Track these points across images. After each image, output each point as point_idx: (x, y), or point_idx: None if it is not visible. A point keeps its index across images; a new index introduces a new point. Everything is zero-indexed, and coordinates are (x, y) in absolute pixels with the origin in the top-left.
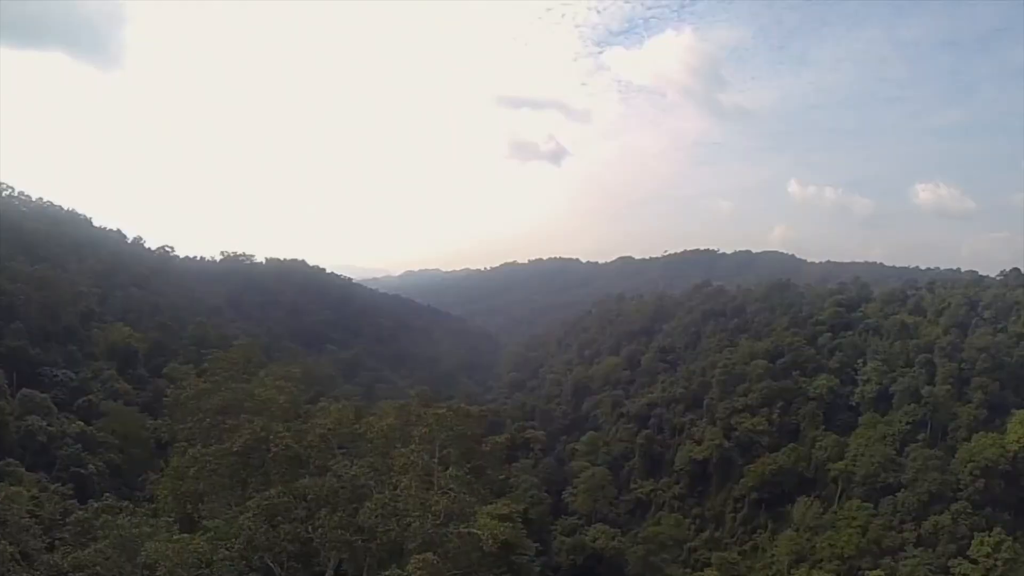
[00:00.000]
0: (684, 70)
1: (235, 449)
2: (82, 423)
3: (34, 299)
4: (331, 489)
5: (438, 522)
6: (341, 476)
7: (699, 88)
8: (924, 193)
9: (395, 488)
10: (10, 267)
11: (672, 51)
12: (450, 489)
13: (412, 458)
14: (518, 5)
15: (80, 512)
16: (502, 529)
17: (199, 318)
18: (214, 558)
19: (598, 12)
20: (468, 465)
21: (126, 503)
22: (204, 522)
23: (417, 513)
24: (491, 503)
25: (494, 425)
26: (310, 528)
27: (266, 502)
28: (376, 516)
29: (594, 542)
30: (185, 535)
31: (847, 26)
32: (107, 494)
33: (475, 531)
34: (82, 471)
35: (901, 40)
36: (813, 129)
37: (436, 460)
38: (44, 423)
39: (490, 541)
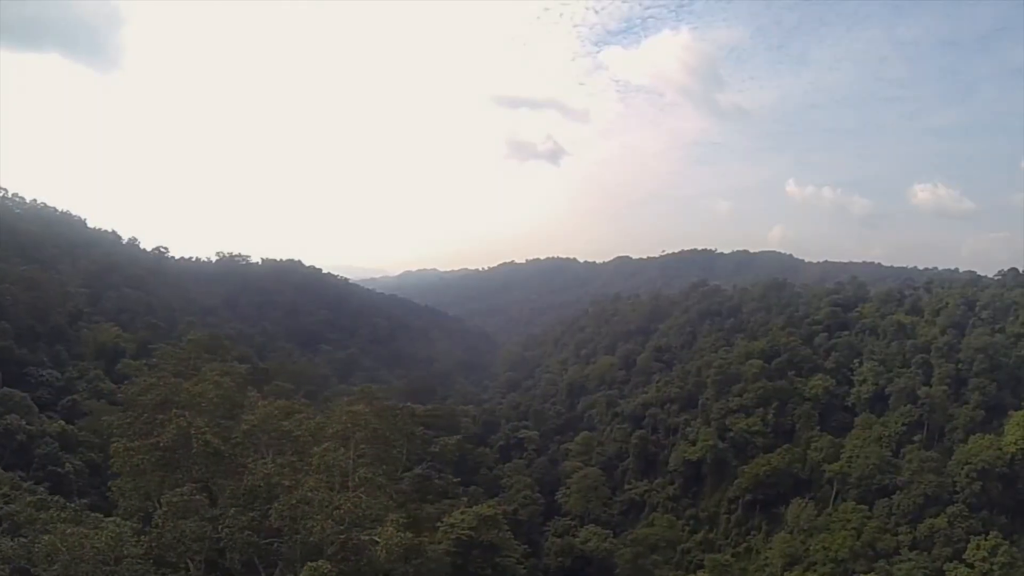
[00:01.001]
0: (682, 70)
1: (161, 444)
2: (63, 422)
3: (22, 299)
4: (248, 488)
5: (341, 527)
6: (255, 475)
7: (697, 88)
8: (923, 193)
9: (306, 489)
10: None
11: (670, 51)
12: (359, 491)
13: (326, 458)
14: (516, 5)
15: (11, 507)
16: (401, 539)
17: (189, 318)
18: (124, 553)
19: (596, 12)
20: (386, 466)
21: (57, 498)
22: (113, 517)
23: (319, 516)
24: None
25: (488, 425)
26: (219, 527)
27: (175, 499)
28: (283, 518)
29: (585, 544)
30: (81, 528)
31: (846, 26)
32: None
33: (376, 539)
34: (59, 470)
35: (900, 40)
36: (812, 129)
37: (352, 460)
38: (23, 422)
39: (384, 552)
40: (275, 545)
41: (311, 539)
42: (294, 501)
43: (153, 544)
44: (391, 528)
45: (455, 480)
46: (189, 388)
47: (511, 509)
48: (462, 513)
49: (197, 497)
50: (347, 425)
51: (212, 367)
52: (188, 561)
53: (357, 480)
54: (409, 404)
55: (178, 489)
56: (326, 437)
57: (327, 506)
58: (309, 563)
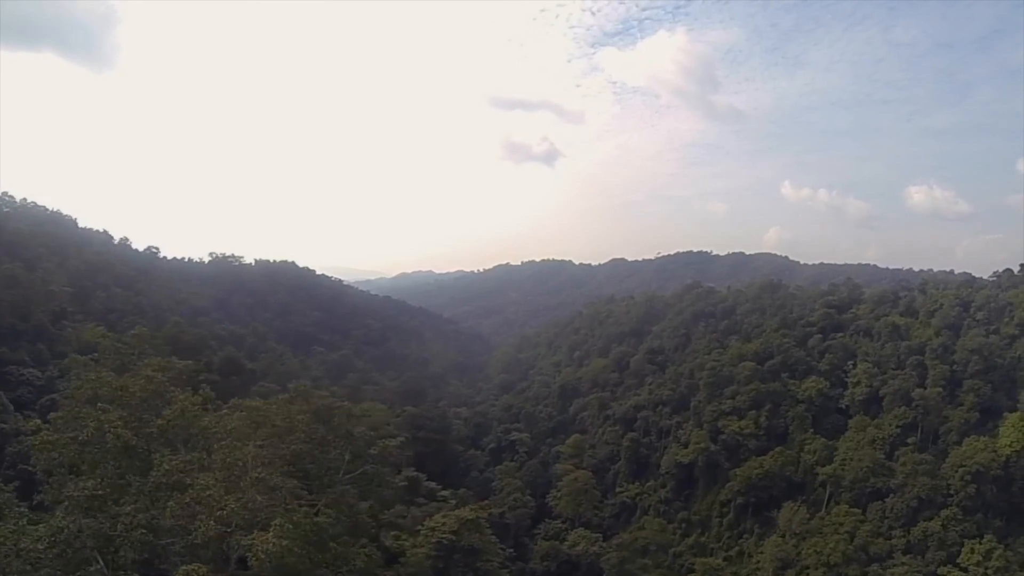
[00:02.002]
0: (678, 71)
1: (80, 438)
2: (39, 421)
3: (3, 298)
4: (154, 484)
5: (227, 528)
6: (159, 470)
7: (693, 90)
8: (918, 195)
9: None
10: None
11: (666, 52)
12: (252, 491)
13: (225, 456)
14: (512, 6)
15: None
16: (282, 547)
17: (175, 318)
18: (20, 547)
19: (592, 13)
20: (291, 467)
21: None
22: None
23: (203, 516)
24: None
25: (480, 427)
26: (116, 524)
27: (76, 493)
28: (176, 516)
29: (573, 547)
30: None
31: (843, 27)
32: None
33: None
34: (30, 468)
35: (897, 41)
36: (808, 131)
37: (250, 458)
38: None
39: (257, 558)
40: (169, 544)
41: (196, 540)
42: (187, 500)
43: (54, 539)
44: (273, 533)
45: (400, 484)
46: (111, 383)
47: (498, 512)
48: (443, 516)
49: (100, 493)
50: (244, 422)
51: (150, 362)
52: (96, 557)
53: (250, 480)
54: (347, 403)
55: (80, 483)
56: (227, 434)
57: (213, 506)
58: (183, 566)
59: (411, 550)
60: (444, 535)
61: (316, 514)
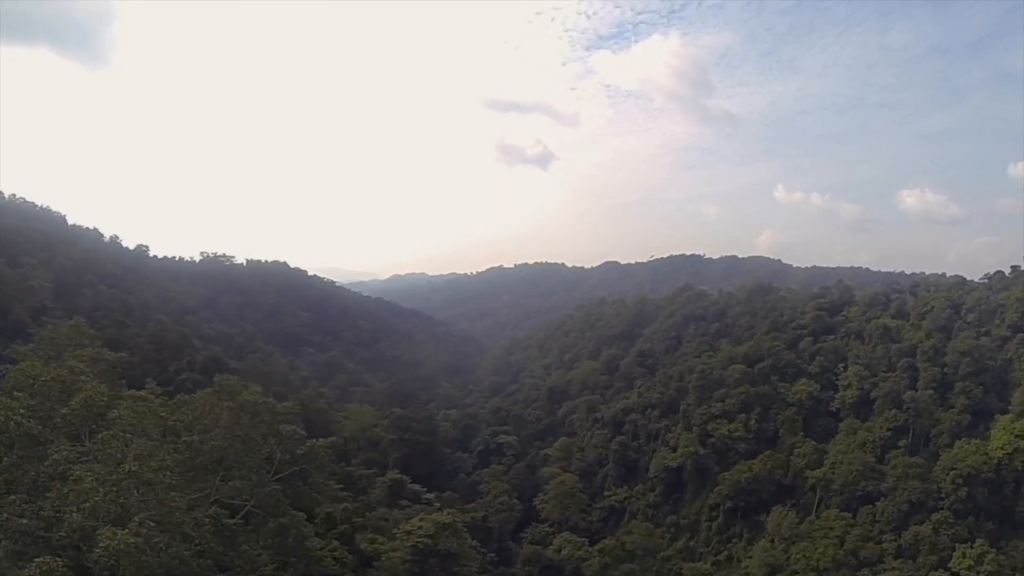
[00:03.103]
0: (672, 75)
1: None
2: None
3: None
4: (46, 475)
5: (93, 523)
6: (48, 460)
7: (688, 93)
8: (911, 198)
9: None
10: None
11: (661, 56)
12: (123, 484)
13: (106, 447)
14: (508, 9)
15: None
16: (132, 543)
17: (159, 316)
18: None
19: (588, 16)
20: (165, 460)
21: None
22: None
23: (72, 508)
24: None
25: (468, 429)
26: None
27: None
28: (55, 508)
29: (559, 552)
30: None
31: (836, 32)
32: None
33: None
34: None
35: (890, 46)
36: (801, 135)
37: (131, 452)
38: None
39: (100, 554)
40: (48, 537)
41: (63, 532)
42: (66, 491)
43: None
44: (130, 528)
45: (336, 485)
46: (24, 370)
47: (480, 516)
48: (420, 520)
49: None
50: (126, 415)
51: (78, 353)
52: None
53: (123, 473)
54: (271, 400)
55: None
56: (110, 425)
57: (83, 498)
58: (38, 559)
59: (387, 554)
60: (420, 539)
61: (234, 514)
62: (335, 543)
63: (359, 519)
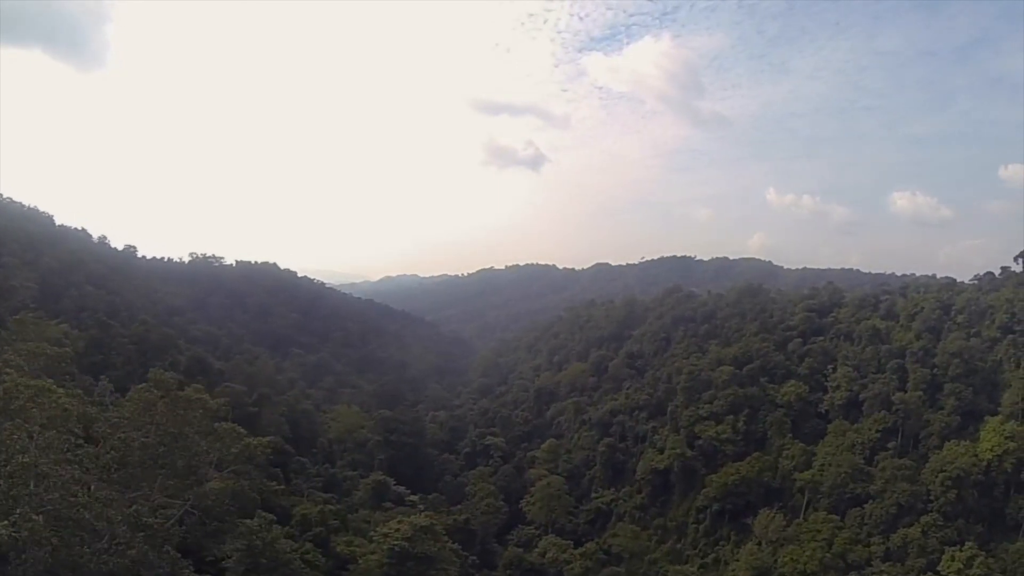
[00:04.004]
0: (663, 77)
1: None
2: None
3: None
4: None
5: None
6: None
7: (679, 96)
8: (901, 201)
9: None
10: None
11: (652, 58)
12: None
13: (6, 439)
14: (500, 11)
15: None
16: (14, 536)
17: (143, 316)
18: None
19: (580, 18)
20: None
21: None
22: None
23: None
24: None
25: (456, 431)
26: None
27: None
28: None
29: (543, 555)
30: None
31: (827, 36)
32: None
33: None
34: None
35: (880, 50)
36: (792, 137)
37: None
38: None
39: None
40: None
41: None
42: None
43: None
44: (9, 521)
45: (275, 486)
46: None
47: (463, 518)
48: (398, 522)
49: None
50: (25, 403)
51: (17, 347)
52: None
53: (16, 465)
54: (205, 397)
55: None
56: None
57: None
58: None
59: (363, 556)
60: (397, 542)
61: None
62: (308, 545)
63: (335, 521)
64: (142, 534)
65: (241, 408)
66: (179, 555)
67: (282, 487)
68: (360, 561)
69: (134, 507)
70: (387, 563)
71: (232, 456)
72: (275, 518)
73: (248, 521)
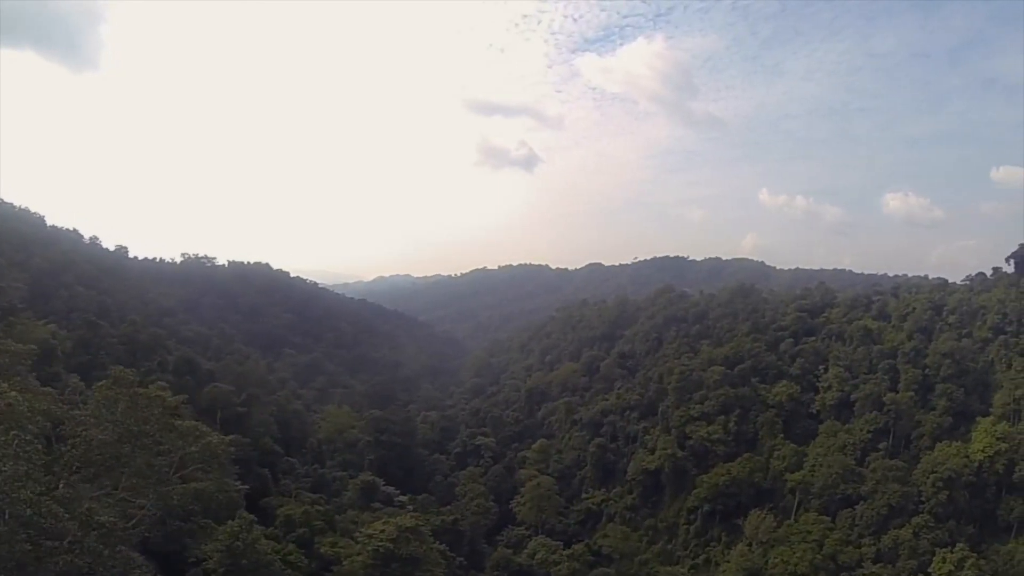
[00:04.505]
0: (657, 78)
1: None
2: None
3: None
4: None
5: None
6: None
7: (672, 97)
8: (894, 202)
9: None
10: None
11: (645, 59)
12: None
13: None
14: (494, 12)
15: None
16: None
17: (132, 316)
18: None
19: (574, 20)
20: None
21: None
22: None
23: None
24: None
25: (447, 431)
26: None
27: None
28: None
29: (533, 556)
30: None
31: (821, 37)
32: None
33: None
34: None
35: (873, 51)
36: (785, 138)
37: None
38: None
39: None
40: None
41: None
42: None
43: None
44: None
45: (242, 486)
46: None
47: (450, 519)
48: (383, 523)
49: None
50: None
51: None
52: None
53: None
54: (165, 393)
55: None
56: None
57: None
58: None
59: (348, 558)
60: (382, 543)
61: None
62: (292, 546)
63: (319, 522)
64: (95, 532)
65: (229, 408)
66: (138, 555)
67: (247, 487)
68: (344, 562)
69: (87, 505)
70: (371, 564)
71: (192, 455)
72: (255, 518)
73: (231, 522)
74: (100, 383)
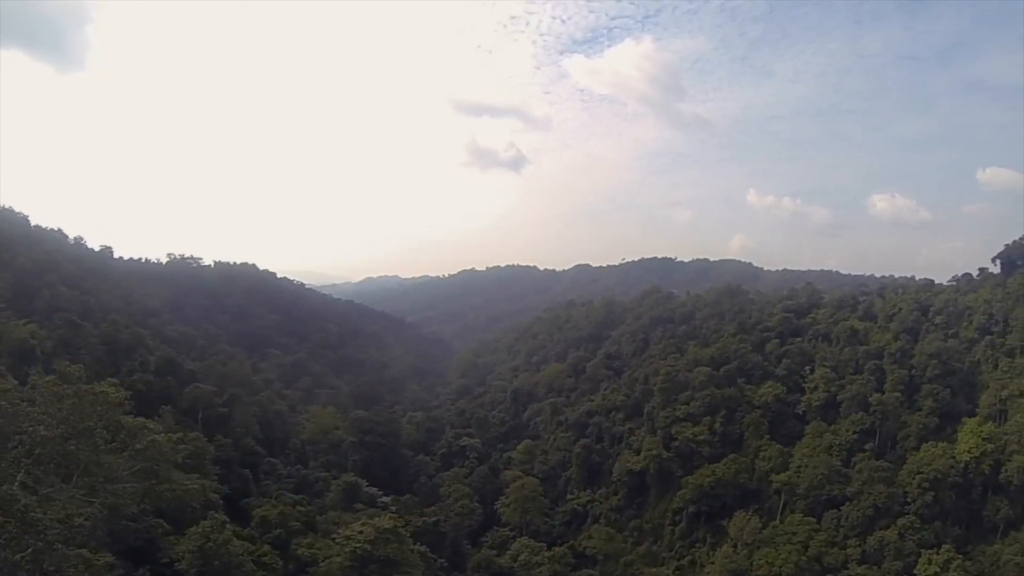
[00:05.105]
0: (645, 79)
1: None
2: None
3: None
4: None
5: None
6: None
7: (660, 98)
8: (881, 203)
9: None
10: None
11: (634, 60)
12: None
13: None
14: (483, 13)
15: None
16: None
17: (112, 316)
18: None
19: (563, 21)
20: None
21: None
22: None
23: None
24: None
25: (432, 432)
26: None
27: None
28: None
29: (516, 558)
30: None
31: (809, 38)
32: None
33: None
34: None
35: (862, 53)
36: (773, 140)
37: None
38: None
39: None
40: None
41: None
42: None
43: None
44: None
45: (189, 485)
46: None
47: (432, 520)
48: (362, 525)
49: None
50: None
51: None
52: None
53: None
54: (105, 391)
55: None
56: None
57: None
58: None
59: (325, 560)
60: (359, 544)
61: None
62: (266, 548)
63: (295, 523)
64: (33, 530)
65: (211, 409)
66: (103, 555)
67: (196, 486)
68: (321, 564)
69: (24, 502)
70: (349, 566)
71: (137, 453)
72: (227, 519)
73: (202, 522)
74: (47, 378)
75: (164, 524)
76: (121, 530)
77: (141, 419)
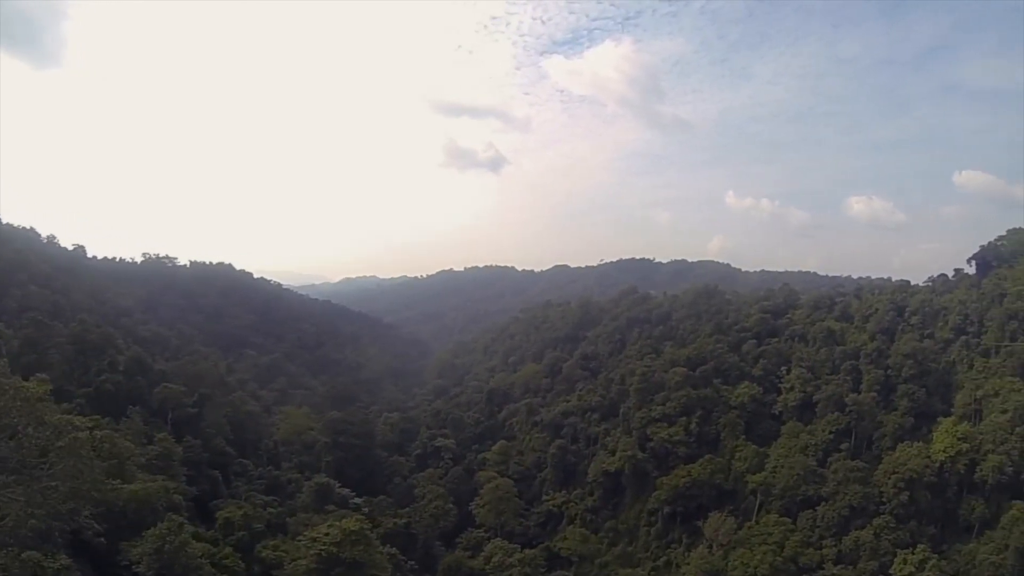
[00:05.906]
0: (625, 81)
1: None
2: None
3: None
4: None
5: None
6: None
7: (640, 99)
8: (858, 205)
9: None
10: None
11: (613, 62)
12: None
13: None
14: (463, 13)
15: None
16: None
17: (81, 315)
18: None
19: (543, 22)
20: None
21: None
22: None
23: None
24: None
25: (407, 433)
26: None
27: None
28: None
29: (488, 559)
30: None
31: (788, 42)
32: None
33: None
34: None
35: (839, 57)
36: (752, 142)
37: None
38: None
39: None
40: None
41: None
42: None
43: None
44: None
45: (117, 484)
46: None
47: (403, 522)
48: (327, 527)
49: None
50: None
51: None
52: None
53: None
54: (25, 385)
55: None
56: None
57: None
58: None
59: (292, 562)
60: (325, 547)
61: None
62: (228, 550)
63: (260, 525)
64: None
65: (180, 409)
66: (26, 555)
67: (158, 487)
68: (287, 567)
69: None
70: (314, 569)
71: (58, 450)
72: (185, 520)
73: (159, 524)
74: None
75: (125, 527)
76: (79, 532)
77: (66, 415)
